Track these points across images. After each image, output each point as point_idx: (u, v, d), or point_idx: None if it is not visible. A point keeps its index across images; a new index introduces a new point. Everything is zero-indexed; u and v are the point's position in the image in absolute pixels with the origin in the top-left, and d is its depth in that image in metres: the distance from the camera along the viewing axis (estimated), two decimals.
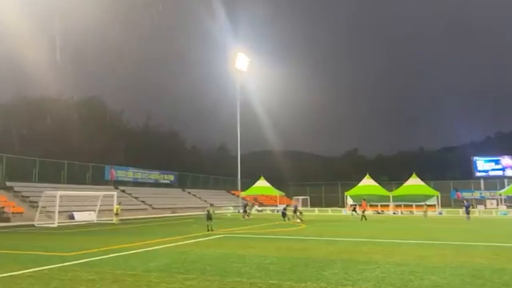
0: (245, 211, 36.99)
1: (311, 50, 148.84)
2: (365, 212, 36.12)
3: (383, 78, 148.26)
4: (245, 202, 38.95)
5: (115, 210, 32.55)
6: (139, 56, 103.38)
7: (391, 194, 53.42)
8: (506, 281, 9.36)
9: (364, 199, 38.14)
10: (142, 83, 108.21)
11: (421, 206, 50.51)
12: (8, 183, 38.83)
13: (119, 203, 33.60)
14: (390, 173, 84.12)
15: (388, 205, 53.29)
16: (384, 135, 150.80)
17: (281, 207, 60.28)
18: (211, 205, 27.74)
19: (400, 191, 53.65)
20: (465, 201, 38.00)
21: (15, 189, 38.60)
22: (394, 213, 51.03)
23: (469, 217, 35.23)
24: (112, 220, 32.46)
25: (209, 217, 23.86)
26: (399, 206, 51.95)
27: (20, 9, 58.61)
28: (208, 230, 22.89)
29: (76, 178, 46.99)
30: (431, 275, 10.16)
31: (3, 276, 9.93)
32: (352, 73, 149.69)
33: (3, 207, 33.61)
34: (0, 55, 56.06)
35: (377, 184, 56.12)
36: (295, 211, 33.79)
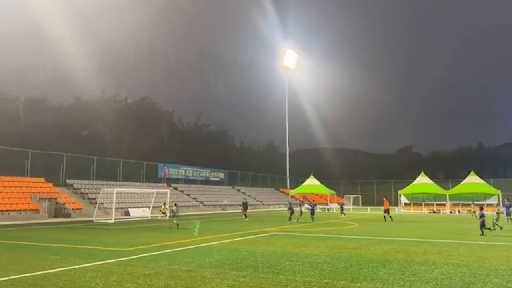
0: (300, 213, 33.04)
1: (362, 46, 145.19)
2: (388, 212, 33.00)
3: (439, 73, 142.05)
4: (299, 202, 37.25)
5: (162, 209, 33.79)
6: (188, 57, 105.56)
7: (447, 192, 51.26)
8: None
9: (386, 198, 35.69)
10: (192, 83, 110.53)
11: (477, 205, 48.23)
12: (68, 181, 40.97)
13: (164, 203, 34.59)
14: (447, 170, 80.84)
15: (444, 204, 51.19)
16: (440, 131, 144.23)
17: (332, 205, 59.60)
18: (175, 204, 27.87)
19: (458, 189, 51.32)
20: (506, 200, 32.90)
21: (75, 186, 40.65)
22: (451, 212, 48.95)
23: (510, 219, 29.28)
24: (163, 216, 33.33)
25: (174, 215, 24.72)
26: (457, 205, 49.74)
27: (72, 15, 61.64)
28: (178, 227, 23.55)
29: (130, 176, 48.78)
30: (494, 277, 9.62)
31: (68, 269, 10.45)
32: (407, 68, 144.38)
33: (64, 204, 35.49)
34: (58, 60, 59.33)
35: (432, 182, 54.01)
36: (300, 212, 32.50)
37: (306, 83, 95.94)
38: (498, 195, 46.91)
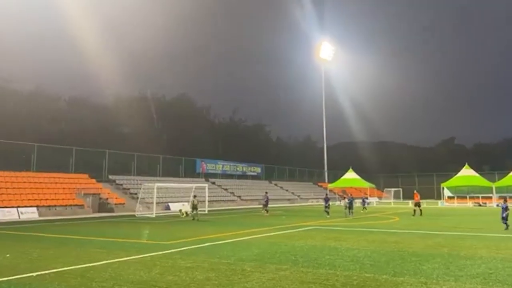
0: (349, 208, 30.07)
1: (402, 36, 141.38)
2: (420, 206, 31.03)
3: (481, 62, 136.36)
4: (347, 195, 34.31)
5: (191, 204, 29.47)
6: (224, 52, 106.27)
7: (493, 185, 49.24)
8: None
9: (416, 191, 33.48)
10: (228, 78, 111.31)
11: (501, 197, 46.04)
12: (110, 177, 42.28)
13: (195, 196, 31.64)
14: (493, 162, 77.63)
15: (490, 197, 49.22)
16: (484, 122, 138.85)
17: (373, 199, 58.56)
18: (195, 196, 27.94)
19: (505, 181, 49.18)
20: None
21: (117, 182, 41.91)
22: (497, 205, 46.99)
23: None
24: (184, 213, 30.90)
25: (194, 207, 26.36)
26: (503, 198, 47.70)
27: (106, 18, 63.31)
28: (193, 219, 25.34)
29: (170, 171, 49.78)
30: None
31: (112, 262, 10.80)
32: (450, 59, 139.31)
33: (107, 199, 36.67)
34: (97, 62, 61.19)
35: (477, 175, 52.02)
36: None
37: (343, 76, 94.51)
38: None
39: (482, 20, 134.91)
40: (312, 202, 58.69)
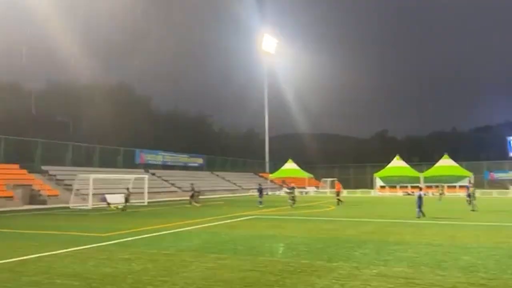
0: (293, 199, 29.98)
1: (340, 31, 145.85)
2: (340, 195, 31.78)
3: (415, 59, 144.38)
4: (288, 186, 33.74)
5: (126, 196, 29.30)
6: (166, 42, 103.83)
7: (421, 175, 52.52)
8: None
9: (338, 180, 34.87)
10: (170, 69, 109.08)
11: (454, 187, 49.59)
12: (43, 167, 40.14)
13: (127, 189, 30.40)
14: (421, 154, 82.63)
15: (419, 187, 52.44)
16: (415, 116, 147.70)
17: (309, 189, 60.31)
18: (127, 189, 29.13)
19: (431, 172, 52.71)
20: (468, 183, 31.99)
21: (50, 172, 39.89)
22: (424, 194, 50.17)
23: (469, 200, 26.25)
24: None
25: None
26: (430, 187, 50.96)
27: None
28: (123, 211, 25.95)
29: (107, 162, 48.14)
30: (464, 255, 10.00)
31: (45, 255, 10.36)
32: (383, 54, 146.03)
33: (39, 190, 34.86)
34: (32, 43, 57.58)
35: (407, 165, 55.25)
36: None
37: (285, 69, 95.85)
38: (470, 177, 48.28)
39: (420, 20, 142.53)
40: (253, 192, 59.36)
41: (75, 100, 64.87)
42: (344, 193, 52.11)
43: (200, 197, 35.01)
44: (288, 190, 30.67)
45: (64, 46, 62.53)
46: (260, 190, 30.97)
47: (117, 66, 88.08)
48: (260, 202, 29.58)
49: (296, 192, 34.18)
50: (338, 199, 31.15)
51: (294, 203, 28.68)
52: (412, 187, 53.48)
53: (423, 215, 19.48)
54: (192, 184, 34.39)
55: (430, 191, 49.64)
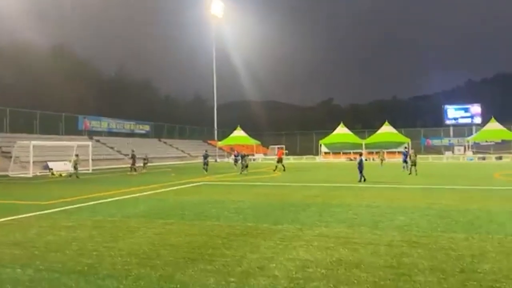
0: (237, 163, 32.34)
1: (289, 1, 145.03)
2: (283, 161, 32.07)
3: (359, 31, 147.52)
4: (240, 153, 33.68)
5: (73, 163, 28.22)
6: (110, 6, 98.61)
7: (363, 142, 54.66)
8: (469, 220, 9.96)
9: (279, 148, 35.49)
10: (113, 31, 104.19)
11: (393, 152, 52.07)
12: None
13: (77, 155, 29.26)
14: (364, 121, 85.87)
15: (361, 153, 54.65)
16: (359, 85, 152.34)
17: (258, 156, 61.12)
18: (77, 155, 28.29)
19: (373, 138, 54.97)
20: (404, 148, 33.69)
21: None
22: (366, 160, 52.45)
23: (406, 166, 28.10)
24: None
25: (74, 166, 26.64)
26: (371, 153, 53.22)
27: None
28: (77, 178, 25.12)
29: (49, 129, 46.01)
30: (400, 216, 10.68)
31: None
32: (330, 25, 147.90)
33: None
34: None
35: (350, 133, 57.23)
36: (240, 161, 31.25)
37: (233, 34, 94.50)
38: (408, 143, 50.90)
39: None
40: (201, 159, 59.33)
41: (13, 63, 60.67)
42: (291, 159, 53.40)
43: (148, 164, 34.55)
44: (235, 157, 31.00)
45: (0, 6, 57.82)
46: (205, 157, 31.04)
47: (58, 28, 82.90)
48: (205, 170, 29.79)
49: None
50: (282, 165, 31.32)
51: (245, 170, 28.94)
52: (354, 153, 55.75)
53: (364, 179, 20.46)
54: (133, 151, 33.57)
55: (371, 157, 51.94)
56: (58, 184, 22.82)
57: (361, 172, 20.74)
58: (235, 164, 31.95)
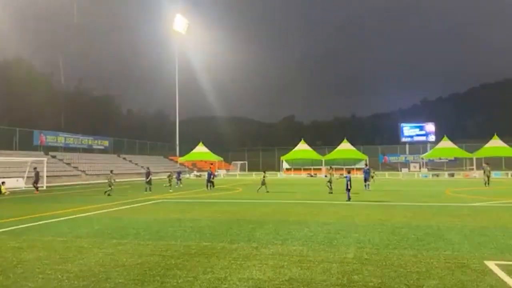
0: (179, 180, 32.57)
1: (254, 20, 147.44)
2: (215, 178, 32.27)
3: (321, 50, 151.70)
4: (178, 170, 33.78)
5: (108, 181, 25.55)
6: (71, 18, 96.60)
7: (323, 158, 55.64)
8: (420, 237, 10.29)
9: (212, 163, 35.49)
10: (74, 45, 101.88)
11: (352, 169, 53.18)
12: None
13: (35, 168, 29.71)
14: (324, 138, 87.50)
15: (320, 169, 55.54)
16: (320, 103, 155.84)
17: (220, 172, 60.72)
18: (111, 171, 26.50)
19: (332, 155, 56.09)
20: (365, 166, 31.73)
21: None
22: (325, 176, 53.30)
23: (367, 184, 27.58)
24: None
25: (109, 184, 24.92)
26: (348, 170, 54.18)
27: None
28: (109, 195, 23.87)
29: (1, 144, 44.15)
30: (354, 233, 10.89)
31: None
32: (294, 44, 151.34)
33: None
34: None
35: (311, 149, 58.17)
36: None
37: (198, 51, 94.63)
38: (366, 160, 52.25)
39: (327, 18, 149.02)
40: (162, 175, 58.33)
41: None
42: (252, 175, 53.51)
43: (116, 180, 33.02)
44: (197, 174, 31.09)
45: None
46: (148, 174, 28.70)
47: (13, 40, 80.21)
48: (149, 189, 27.59)
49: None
50: (211, 182, 30.17)
51: (211, 187, 29.49)
52: (314, 169, 56.55)
53: (349, 198, 19.73)
54: (35, 168, 30.95)
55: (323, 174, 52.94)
56: (6, 202, 21.83)
57: (349, 190, 19.70)
58: (170, 183, 30.12)
